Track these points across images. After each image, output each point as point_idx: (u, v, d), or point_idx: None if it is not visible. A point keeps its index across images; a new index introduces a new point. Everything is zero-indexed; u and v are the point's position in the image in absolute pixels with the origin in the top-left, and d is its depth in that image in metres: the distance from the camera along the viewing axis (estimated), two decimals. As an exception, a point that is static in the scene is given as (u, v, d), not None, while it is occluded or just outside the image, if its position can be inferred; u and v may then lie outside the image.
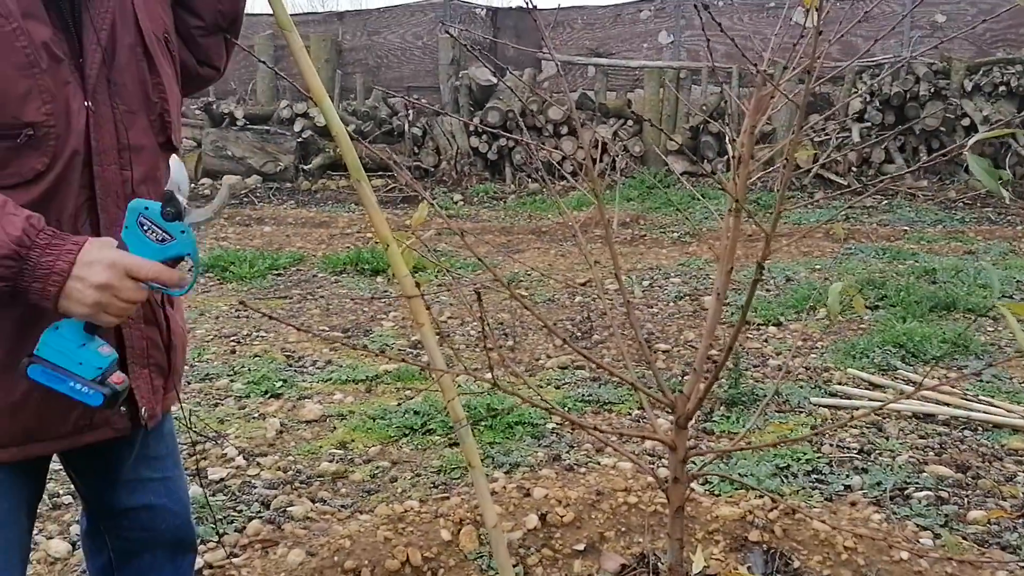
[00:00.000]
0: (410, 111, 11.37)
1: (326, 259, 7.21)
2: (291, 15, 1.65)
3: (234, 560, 2.69)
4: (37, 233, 1.30)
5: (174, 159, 1.40)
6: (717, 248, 1.80)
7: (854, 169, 9.52)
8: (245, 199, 10.72)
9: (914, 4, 10.05)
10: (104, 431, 1.53)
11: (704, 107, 10.03)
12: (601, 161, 10.69)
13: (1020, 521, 2.83)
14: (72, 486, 2.00)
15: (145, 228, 1.37)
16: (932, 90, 9.44)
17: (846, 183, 9.45)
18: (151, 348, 1.56)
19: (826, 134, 9.52)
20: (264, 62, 2.38)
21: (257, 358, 4.72)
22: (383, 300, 6.00)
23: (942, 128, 9.36)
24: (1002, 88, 9.33)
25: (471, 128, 10.97)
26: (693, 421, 3.78)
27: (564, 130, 10.54)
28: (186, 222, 1.39)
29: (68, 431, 1.48)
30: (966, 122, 9.29)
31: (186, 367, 2.44)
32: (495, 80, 11.27)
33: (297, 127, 11.67)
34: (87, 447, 1.56)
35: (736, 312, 5.32)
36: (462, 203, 10.02)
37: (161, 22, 1.58)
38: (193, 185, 10.24)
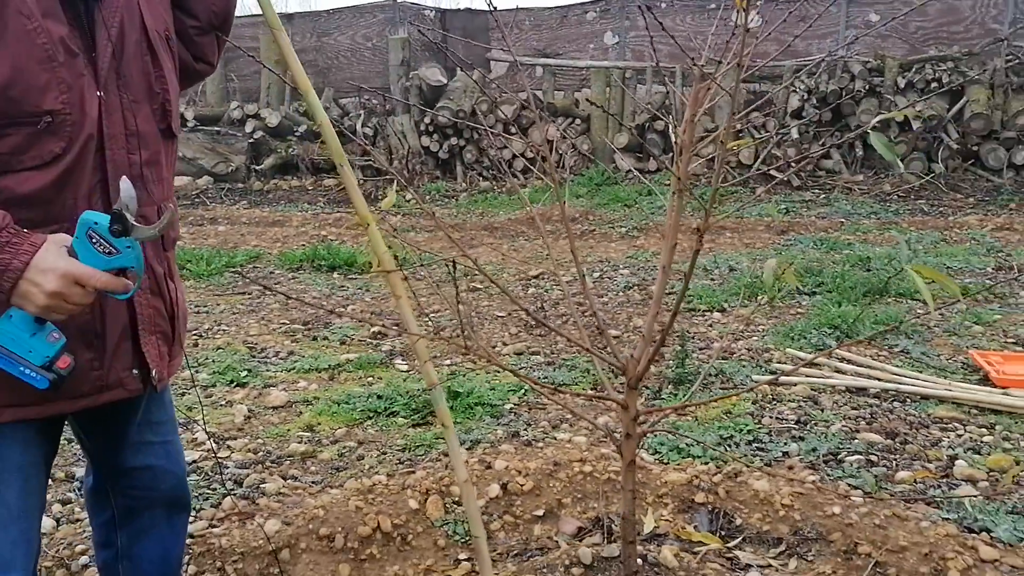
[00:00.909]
0: (361, 111, 11.48)
1: (282, 256, 7.32)
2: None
3: (214, 530, 2.83)
4: (1, 231, 1.45)
5: (124, 179, 1.54)
6: (664, 237, 1.99)
7: (793, 164, 9.86)
8: (197, 200, 10.74)
9: (848, 3, 10.45)
10: (119, 392, 1.68)
11: (649, 105, 10.31)
12: (550, 159, 10.91)
13: (943, 480, 3.09)
14: (77, 449, 2.13)
15: (93, 241, 1.50)
16: (867, 87, 9.83)
17: (786, 178, 9.80)
18: (157, 317, 1.72)
19: (766, 131, 9.85)
20: (259, 61, 2.52)
21: (220, 350, 4.84)
22: (342, 293, 6.13)
23: (876, 124, 9.74)
24: (934, 84, 9.74)
25: (422, 127, 11.11)
26: (643, 399, 3.99)
27: (514, 129, 10.75)
28: (132, 237, 1.52)
29: (87, 391, 1.63)
30: (899, 118, 9.68)
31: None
32: (445, 80, 11.43)
33: (248, 128, 11.70)
34: (98, 410, 1.71)
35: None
36: (414, 201, 10.16)
37: (163, 21, 1.73)
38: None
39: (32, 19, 1.49)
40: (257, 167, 11.78)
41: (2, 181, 1.51)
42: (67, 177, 1.55)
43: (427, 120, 10.95)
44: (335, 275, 6.74)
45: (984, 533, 2.65)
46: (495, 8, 1.90)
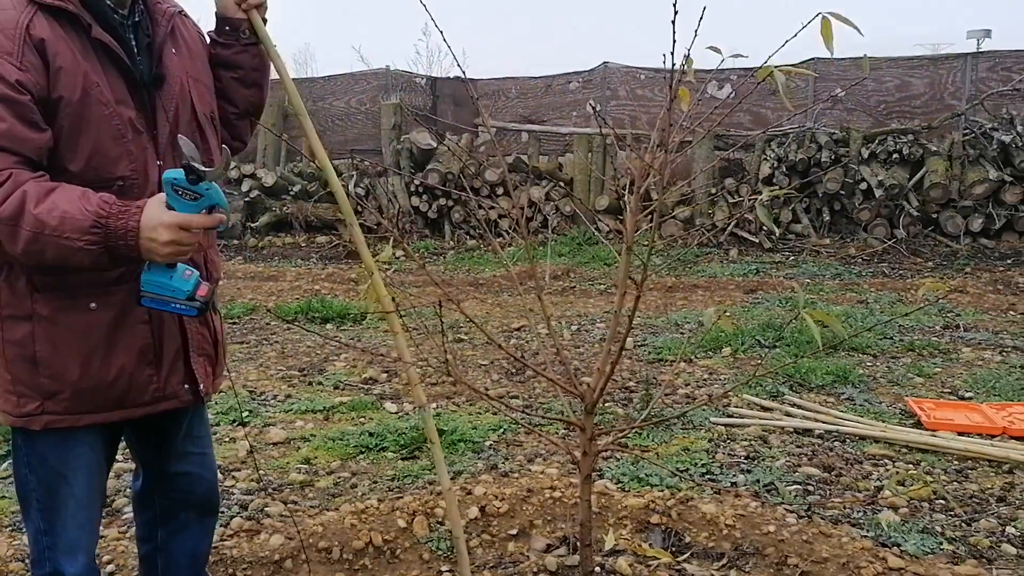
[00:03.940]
0: (354, 172, 12.01)
1: (278, 308, 7.73)
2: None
3: (225, 543, 3.20)
4: (109, 206, 1.82)
5: (181, 138, 1.89)
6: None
7: (764, 228, 10.40)
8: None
9: (815, 80, 11.11)
10: (174, 401, 2.09)
11: (628, 170, 10.86)
12: (534, 219, 11.45)
13: (869, 506, 3.50)
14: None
15: (180, 193, 1.81)
16: (833, 157, 10.42)
17: (758, 241, 10.32)
18: (203, 342, 2.14)
19: (739, 196, 10.41)
20: (260, 124, 2.98)
21: (222, 393, 5.21)
22: (334, 344, 6.54)
23: (842, 192, 10.33)
24: (895, 155, 10.35)
25: (412, 188, 11.63)
26: (610, 439, 4.39)
27: (500, 191, 11.28)
28: (207, 180, 1.88)
29: (147, 400, 2.04)
30: (864, 186, 10.27)
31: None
32: (435, 144, 12.00)
33: (244, 187, 12.20)
34: (153, 422, 2.12)
35: (653, 350, 6.00)
36: (404, 258, 10.62)
37: (209, 105, 2.18)
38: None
39: (108, 106, 1.92)
40: (252, 224, 12.26)
41: None
42: None
43: (417, 181, 11.49)
44: (328, 326, 7.15)
45: (895, 547, 3.06)
46: (477, 80, 2.35)
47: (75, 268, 1.85)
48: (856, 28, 2.02)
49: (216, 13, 2.19)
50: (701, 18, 2.12)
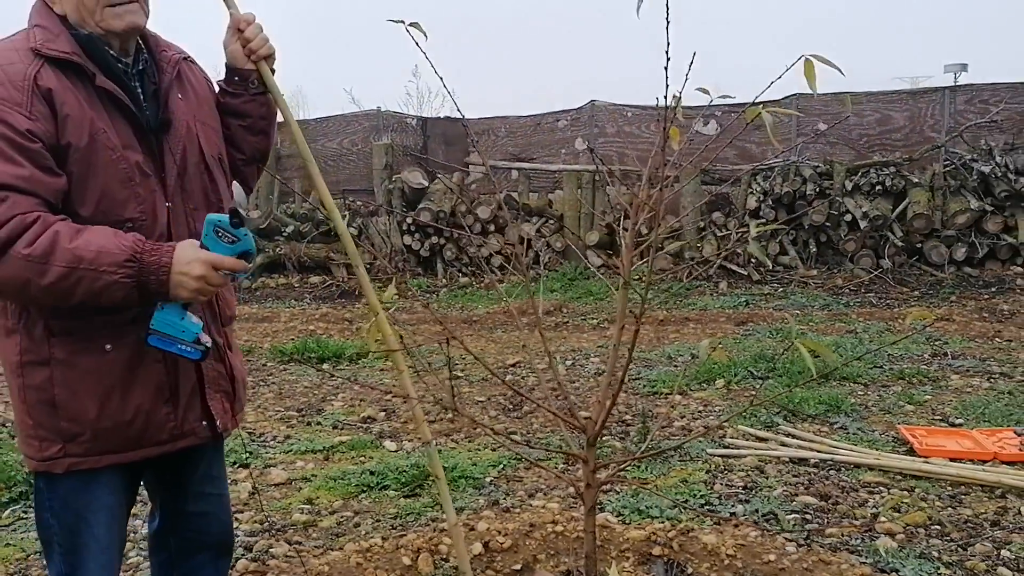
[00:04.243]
0: (346, 212, 12.11)
1: (273, 349, 7.77)
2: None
3: (233, 584, 3.23)
4: (143, 243, 1.92)
5: (235, 185, 2.03)
6: (617, 323, 2.52)
7: (753, 260, 10.53)
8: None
9: (798, 115, 11.31)
10: (191, 439, 2.14)
11: (618, 206, 11.00)
12: (526, 256, 11.56)
13: (866, 533, 3.56)
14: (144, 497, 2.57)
15: (220, 235, 1.95)
16: (817, 190, 10.59)
17: (746, 273, 10.45)
18: (220, 379, 2.20)
19: (727, 229, 10.55)
20: (275, 176, 3.07)
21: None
22: (331, 384, 6.58)
23: (828, 223, 10.48)
24: (878, 187, 10.54)
25: (404, 227, 11.74)
26: (611, 471, 4.44)
27: (491, 228, 11.39)
28: (246, 227, 2.00)
29: (165, 439, 2.10)
30: (848, 218, 10.43)
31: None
32: (426, 183, 12.13)
33: (237, 228, 12.27)
34: (171, 461, 2.18)
35: (648, 383, 6.07)
36: (397, 297, 10.67)
37: (216, 146, 2.25)
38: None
39: (115, 151, 1.99)
40: (245, 266, 12.30)
41: None
42: None
43: (409, 220, 11.60)
44: (324, 366, 7.19)
45: (893, 573, 3.12)
46: (467, 119, 2.45)
47: (99, 308, 1.92)
48: (838, 69, 2.12)
49: (226, 63, 2.28)
50: (691, 64, 2.22)
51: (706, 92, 2.33)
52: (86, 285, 1.85)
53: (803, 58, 2.06)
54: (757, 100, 2.15)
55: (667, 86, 2.22)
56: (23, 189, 1.83)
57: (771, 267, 10.48)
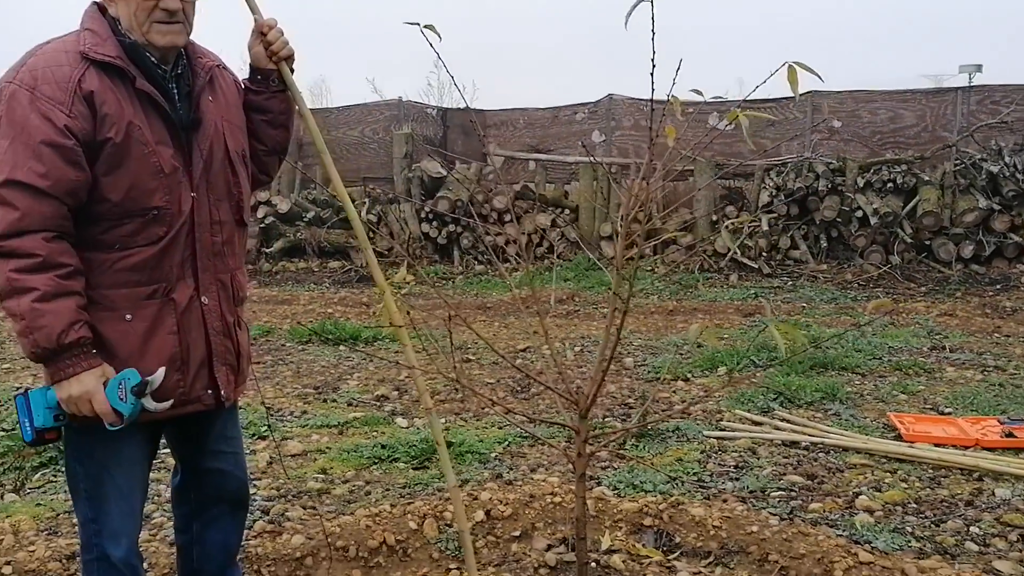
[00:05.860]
0: (366, 199, 12.37)
1: (292, 331, 8.04)
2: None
3: (250, 542, 3.49)
4: (78, 342, 2.10)
5: (160, 370, 2.22)
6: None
7: (764, 254, 10.70)
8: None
9: (814, 112, 11.46)
10: (197, 405, 2.38)
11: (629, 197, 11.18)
12: (541, 245, 11.77)
13: (846, 510, 3.77)
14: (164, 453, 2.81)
15: (120, 386, 2.14)
16: (830, 186, 10.74)
17: (757, 267, 10.62)
18: (227, 354, 2.43)
19: (740, 223, 10.72)
20: (294, 164, 3.31)
21: (242, 409, 5.52)
22: (348, 363, 6.84)
23: (839, 219, 10.63)
24: (890, 184, 10.68)
25: (422, 215, 11.99)
26: (602, 443, 4.66)
27: (508, 217, 11.62)
28: (141, 401, 2.17)
29: (175, 403, 2.31)
30: (859, 214, 10.57)
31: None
32: (444, 172, 12.36)
33: (260, 213, 12.56)
34: (186, 422, 2.43)
35: (652, 369, 6.28)
36: (414, 283, 10.93)
37: (240, 143, 2.49)
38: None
39: (147, 146, 2.22)
40: (267, 250, 12.61)
41: (122, 254, 2.23)
42: (166, 252, 2.28)
43: (427, 208, 11.85)
44: (341, 348, 7.45)
45: (867, 544, 3.33)
46: (487, 111, 2.66)
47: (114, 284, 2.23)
48: (817, 75, 2.32)
49: (250, 64, 2.53)
50: (678, 69, 2.43)
51: (699, 93, 2.54)
52: (16, 325, 2.11)
53: (786, 64, 2.26)
54: (746, 99, 2.35)
55: (673, 83, 2.43)
56: (40, 189, 2.06)
57: (779, 260, 10.63)
